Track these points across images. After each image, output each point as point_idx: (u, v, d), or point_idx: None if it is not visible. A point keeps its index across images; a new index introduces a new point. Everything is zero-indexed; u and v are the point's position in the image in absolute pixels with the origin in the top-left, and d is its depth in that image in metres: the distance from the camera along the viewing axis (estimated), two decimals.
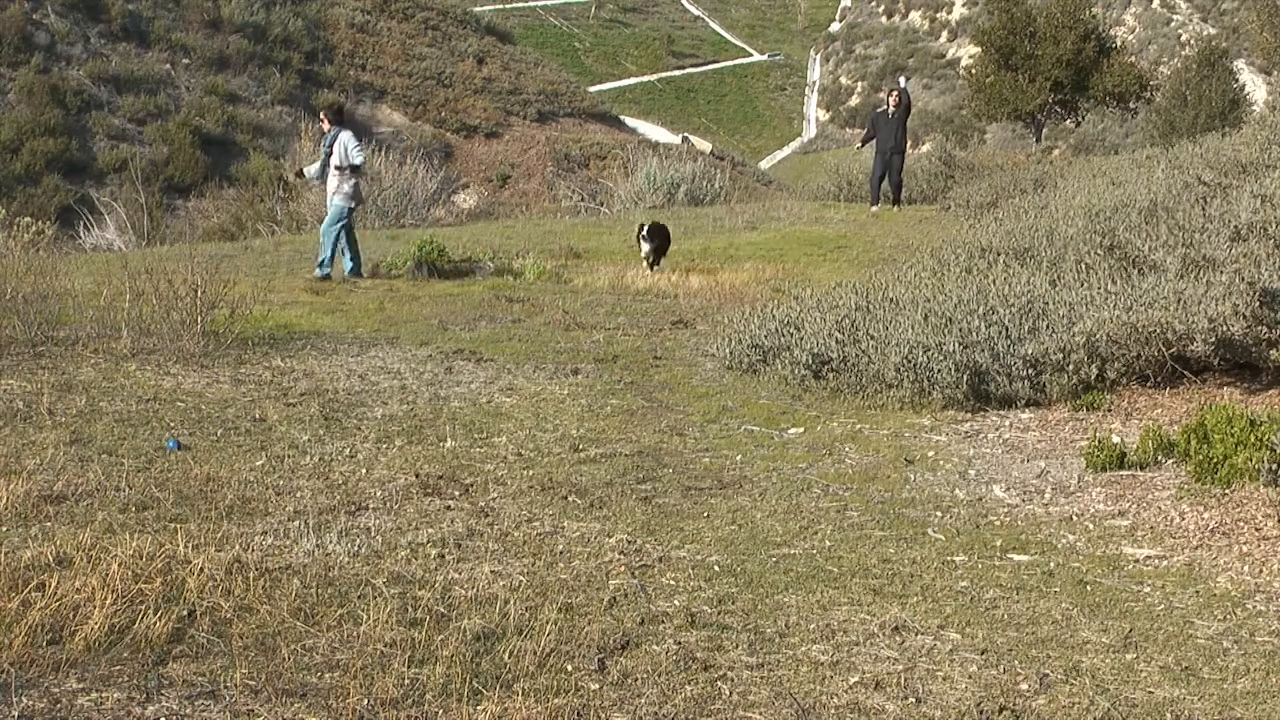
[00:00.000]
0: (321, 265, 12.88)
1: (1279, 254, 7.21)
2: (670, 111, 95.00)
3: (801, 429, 7.58)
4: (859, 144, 20.66)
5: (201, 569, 4.53)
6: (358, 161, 12.93)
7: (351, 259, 13.14)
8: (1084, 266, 9.02)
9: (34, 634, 3.89)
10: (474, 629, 4.25)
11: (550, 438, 7.14)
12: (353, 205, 13.13)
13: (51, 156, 36.70)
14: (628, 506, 5.87)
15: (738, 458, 6.89)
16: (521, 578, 4.83)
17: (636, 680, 3.97)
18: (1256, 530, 5.44)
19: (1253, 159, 10.92)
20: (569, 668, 4.03)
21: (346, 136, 12.99)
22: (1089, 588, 4.96)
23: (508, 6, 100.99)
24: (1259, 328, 6.93)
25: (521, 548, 5.21)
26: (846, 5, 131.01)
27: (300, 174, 15.02)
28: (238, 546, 4.88)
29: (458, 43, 56.06)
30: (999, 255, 10.37)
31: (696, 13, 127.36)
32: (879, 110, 20.11)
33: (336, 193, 12.97)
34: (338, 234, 12.95)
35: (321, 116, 13.57)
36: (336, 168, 12.95)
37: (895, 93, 19.51)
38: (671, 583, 4.89)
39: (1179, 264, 8.10)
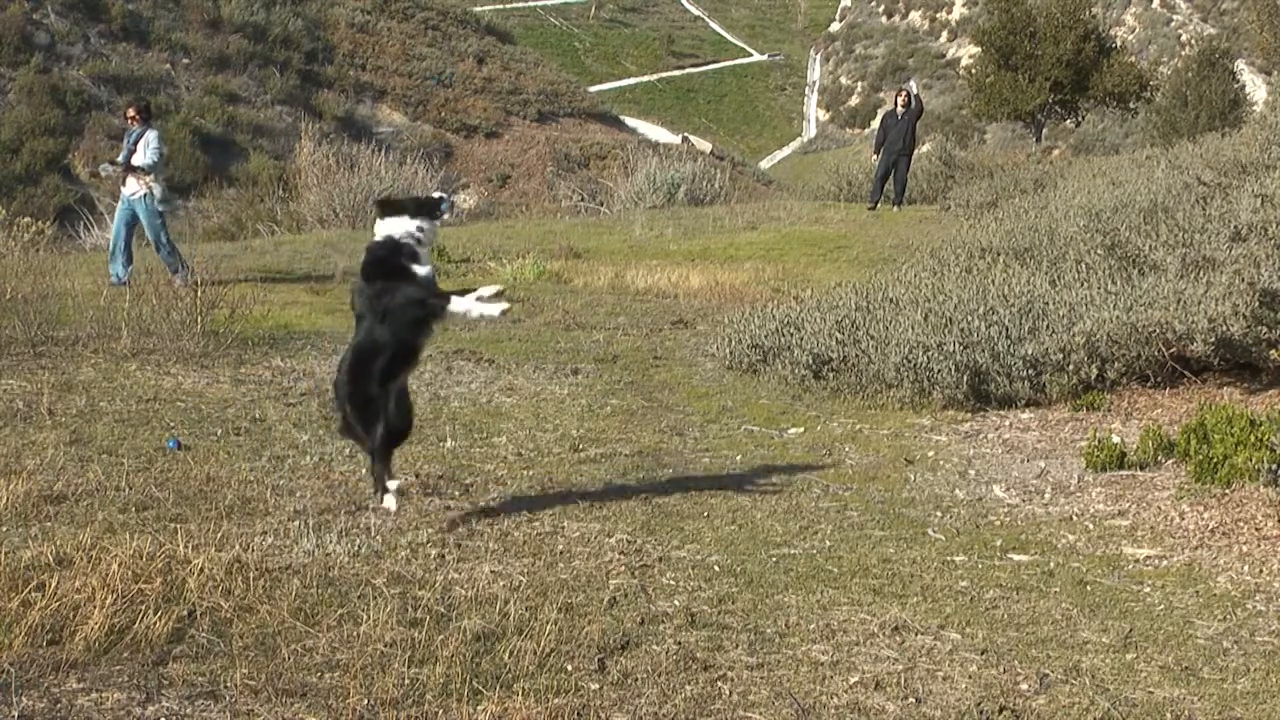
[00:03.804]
0: (179, 271, 11.60)
1: (1279, 254, 7.20)
2: (670, 111, 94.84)
3: (801, 429, 7.58)
4: (872, 153, 20.39)
5: (201, 569, 4.52)
6: (137, 161, 11.75)
7: (125, 264, 12.00)
8: (1084, 266, 9.02)
9: (34, 634, 3.89)
10: (474, 629, 4.24)
11: (550, 438, 7.14)
12: (161, 207, 12.04)
13: (51, 156, 36.65)
14: (628, 506, 5.87)
15: (738, 458, 6.89)
16: (521, 578, 4.83)
17: (636, 680, 3.97)
18: (1256, 530, 5.44)
19: (1253, 159, 10.92)
20: (569, 668, 4.03)
21: (153, 136, 11.93)
22: (1089, 588, 4.96)
23: (508, 6, 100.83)
24: (1259, 328, 6.93)
25: (521, 548, 5.21)
26: (846, 5, 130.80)
27: (111, 165, 13.48)
28: (238, 546, 4.88)
29: (458, 43, 56.00)
30: (999, 255, 10.37)
31: (696, 13, 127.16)
32: (888, 112, 20.12)
33: (145, 195, 11.85)
34: (163, 231, 11.96)
35: (131, 113, 12.19)
36: (137, 167, 11.89)
37: (903, 94, 19.55)
38: (671, 583, 4.89)
39: (1179, 264, 8.09)
